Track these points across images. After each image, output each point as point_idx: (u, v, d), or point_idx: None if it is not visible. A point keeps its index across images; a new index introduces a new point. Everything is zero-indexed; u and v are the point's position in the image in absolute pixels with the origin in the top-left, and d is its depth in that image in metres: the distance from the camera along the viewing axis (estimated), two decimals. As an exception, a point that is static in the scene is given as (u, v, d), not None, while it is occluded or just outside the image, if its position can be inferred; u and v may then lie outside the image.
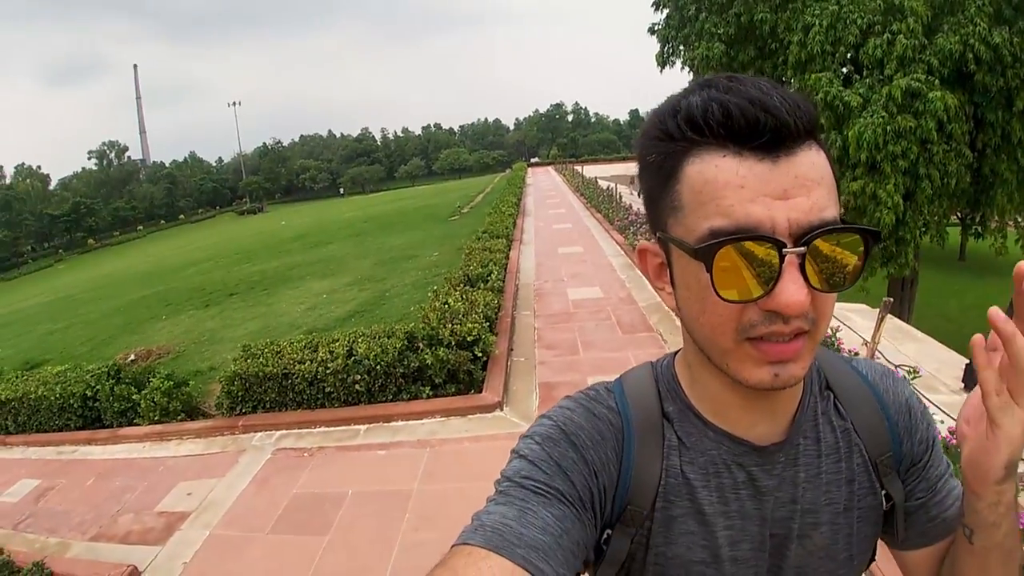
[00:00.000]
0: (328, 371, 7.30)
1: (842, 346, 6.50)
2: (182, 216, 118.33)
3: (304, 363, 7.46)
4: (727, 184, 0.74)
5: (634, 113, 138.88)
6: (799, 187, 0.74)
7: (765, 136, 0.72)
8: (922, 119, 13.98)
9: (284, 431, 7.49)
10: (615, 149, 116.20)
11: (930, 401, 6.76)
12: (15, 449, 9.61)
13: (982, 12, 14.12)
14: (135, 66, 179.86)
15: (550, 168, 67.40)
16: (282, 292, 16.23)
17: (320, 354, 7.50)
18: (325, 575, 4.86)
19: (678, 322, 3.76)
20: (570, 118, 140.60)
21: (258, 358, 7.79)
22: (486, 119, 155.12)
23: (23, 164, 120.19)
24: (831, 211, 0.75)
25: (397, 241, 21.86)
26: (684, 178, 0.77)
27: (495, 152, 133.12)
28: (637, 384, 1.03)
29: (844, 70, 16.69)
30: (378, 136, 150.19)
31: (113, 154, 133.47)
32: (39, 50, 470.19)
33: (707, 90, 0.76)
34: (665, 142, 0.79)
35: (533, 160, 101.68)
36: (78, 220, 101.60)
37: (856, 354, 5.91)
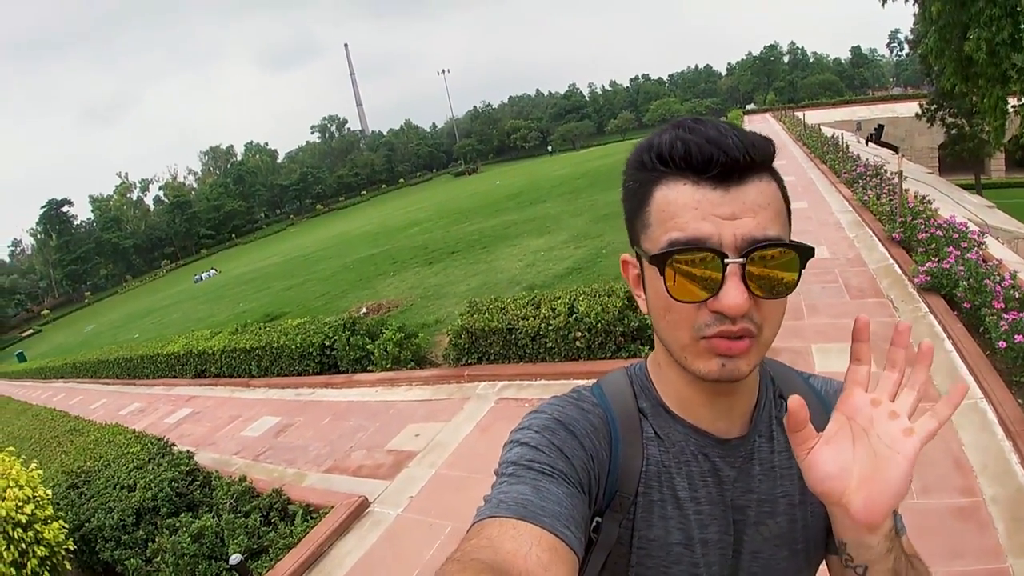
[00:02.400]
0: (550, 327, 7.44)
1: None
2: (401, 180, 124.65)
3: (527, 319, 7.66)
4: (685, 206, 0.88)
5: (855, 50, 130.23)
6: (747, 210, 0.87)
7: (717, 169, 0.87)
8: None
9: (506, 382, 7.71)
10: (837, 91, 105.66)
11: None
12: (257, 391, 10.48)
13: None
14: (346, 44, 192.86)
15: (767, 115, 62.64)
16: (501, 249, 16.64)
17: (543, 311, 7.66)
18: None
19: (910, 288, 3.63)
20: (786, 59, 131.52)
21: (483, 313, 8.10)
22: (696, 66, 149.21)
23: (252, 142, 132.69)
24: (774, 231, 0.88)
25: (611, 197, 21.22)
26: (653, 201, 0.92)
27: (707, 100, 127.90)
28: (614, 385, 1.13)
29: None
30: (586, 91, 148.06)
31: (334, 127, 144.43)
32: (257, 39, 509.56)
33: (676, 130, 0.91)
34: (641, 172, 0.94)
35: (748, 107, 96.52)
36: (305, 188, 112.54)
37: None
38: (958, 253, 7.73)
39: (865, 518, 0.82)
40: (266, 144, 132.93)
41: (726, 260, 0.85)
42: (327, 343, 9.77)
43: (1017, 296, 6.55)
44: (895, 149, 40.60)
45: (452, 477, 6.04)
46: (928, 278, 7.63)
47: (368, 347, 9.20)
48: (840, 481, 0.83)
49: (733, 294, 0.85)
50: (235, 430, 9.36)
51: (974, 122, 32.86)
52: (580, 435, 0.99)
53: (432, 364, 8.96)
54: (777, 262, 0.87)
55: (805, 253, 0.89)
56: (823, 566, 1.16)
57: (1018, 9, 16.21)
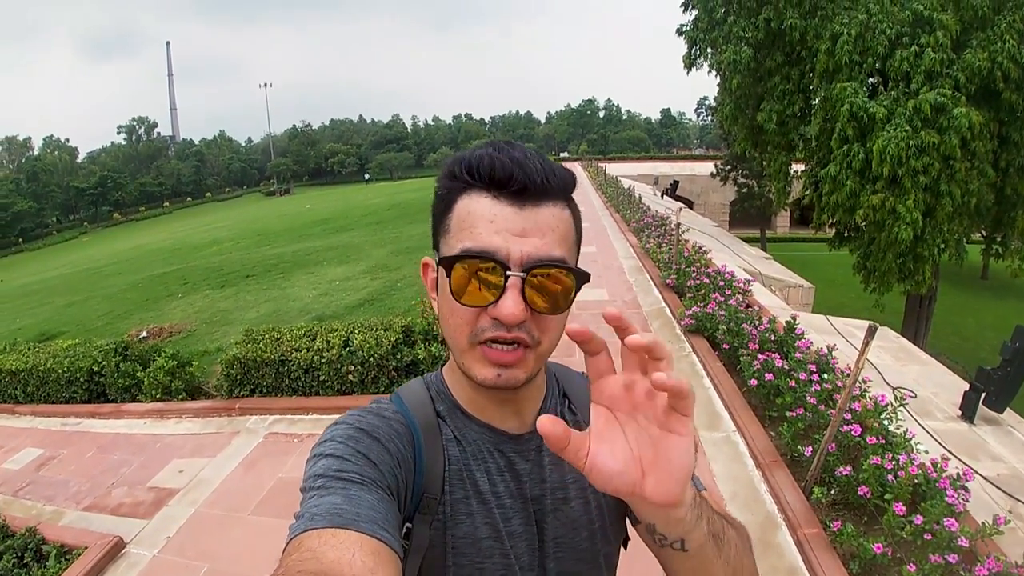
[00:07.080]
0: (323, 360, 7.41)
1: (835, 364, 6.32)
2: (209, 194, 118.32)
3: (301, 351, 7.59)
4: (481, 217, 0.95)
5: (666, 112, 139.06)
6: (536, 230, 0.95)
7: (515, 187, 0.95)
8: (946, 135, 13.72)
9: (278, 416, 7.63)
10: (645, 148, 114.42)
11: (921, 425, 6.53)
12: (23, 418, 9.81)
13: (1012, 29, 13.86)
14: (168, 43, 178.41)
15: (576, 164, 64.67)
16: (297, 276, 16.40)
17: (317, 343, 7.62)
18: (298, 560, 4.98)
19: (677, 329, 5.80)
20: (601, 114, 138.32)
21: (258, 343, 7.94)
22: (517, 111, 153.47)
23: (52, 136, 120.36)
24: (559, 252, 0.96)
25: (416, 231, 21.89)
26: (455, 209, 0.99)
27: (525, 145, 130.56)
28: (411, 392, 1.19)
29: (871, 81, 16.46)
30: (408, 123, 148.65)
31: (143, 129, 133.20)
32: (77, 22, 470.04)
33: (487, 148, 0.98)
34: (450, 180, 1.01)
35: (563, 155, 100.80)
36: (104, 194, 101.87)
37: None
38: (721, 299, 8.39)
39: (663, 500, 0.81)
40: (67, 140, 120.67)
41: (508, 272, 0.93)
42: (96, 368, 9.18)
43: (772, 339, 7.16)
44: (690, 204, 44.38)
45: (211, 516, 5.88)
46: (693, 321, 8.30)
47: (138, 375, 8.75)
48: (627, 475, 0.80)
49: (510, 304, 0.92)
50: (-5, 462, 8.74)
51: (762, 183, 36.63)
52: (384, 440, 1.02)
53: (206, 395, 8.69)
54: (555, 281, 0.96)
55: (581, 277, 0.98)
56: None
57: (810, 88, 17.81)
